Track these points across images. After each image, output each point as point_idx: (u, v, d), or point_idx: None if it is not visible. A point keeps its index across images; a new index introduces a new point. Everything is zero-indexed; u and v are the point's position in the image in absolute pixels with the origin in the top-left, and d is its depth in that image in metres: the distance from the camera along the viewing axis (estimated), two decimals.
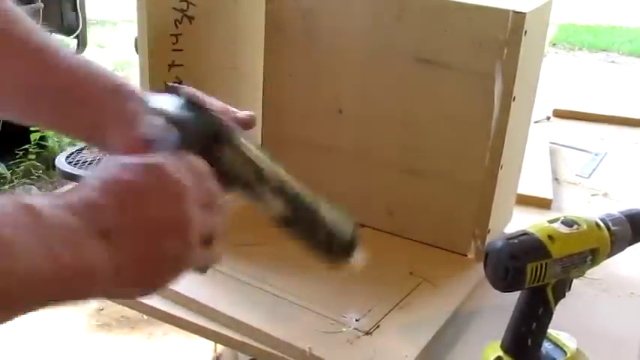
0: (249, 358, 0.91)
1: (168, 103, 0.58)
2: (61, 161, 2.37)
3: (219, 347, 1.57)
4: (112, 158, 0.53)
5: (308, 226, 0.70)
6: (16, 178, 3.03)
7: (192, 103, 0.58)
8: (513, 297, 0.78)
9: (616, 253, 0.81)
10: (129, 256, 0.48)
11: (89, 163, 2.34)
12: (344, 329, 0.83)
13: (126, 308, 0.96)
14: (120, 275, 0.47)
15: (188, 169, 0.51)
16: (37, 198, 0.46)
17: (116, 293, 0.50)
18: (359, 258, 0.73)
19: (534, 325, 0.76)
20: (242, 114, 0.65)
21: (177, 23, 0.86)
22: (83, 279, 0.46)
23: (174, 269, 0.51)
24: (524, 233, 0.74)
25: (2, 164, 3.04)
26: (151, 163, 0.50)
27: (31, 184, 3.03)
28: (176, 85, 0.63)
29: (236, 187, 0.59)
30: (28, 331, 2.13)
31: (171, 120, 0.56)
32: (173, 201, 0.49)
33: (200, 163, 0.53)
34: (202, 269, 0.56)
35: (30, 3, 2.86)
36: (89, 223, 0.46)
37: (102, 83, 0.62)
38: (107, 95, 0.62)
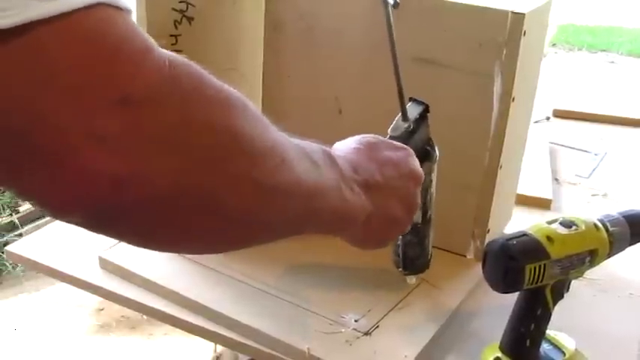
0: (248, 358, 0.91)
1: (413, 110, 0.76)
2: None
3: (219, 347, 1.57)
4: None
5: (420, 238, 0.77)
6: None
7: (423, 117, 0.76)
8: (512, 297, 0.78)
9: (615, 254, 0.81)
10: (378, 208, 0.62)
11: None
12: (343, 330, 0.83)
13: (126, 308, 0.96)
14: (368, 223, 0.62)
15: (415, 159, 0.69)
16: (325, 147, 0.59)
17: (358, 238, 0.65)
18: (416, 279, 0.87)
19: (533, 326, 0.76)
20: None
21: (176, 24, 0.85)
22: (349, 217, 0.60)
23: (400, 230, 0.69)
24: (523, 234, 0.74)
25: None
26: (401, 146, 0.69)
27: None
28: (418, 99, 0.78)
29: None
30: (28, 331, 2.13)
31: (409, 126, 0.74)
32: (415, 180, 0.68)
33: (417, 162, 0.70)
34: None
35: None
36: (360, 176, 0.61)
37: None
38: None
